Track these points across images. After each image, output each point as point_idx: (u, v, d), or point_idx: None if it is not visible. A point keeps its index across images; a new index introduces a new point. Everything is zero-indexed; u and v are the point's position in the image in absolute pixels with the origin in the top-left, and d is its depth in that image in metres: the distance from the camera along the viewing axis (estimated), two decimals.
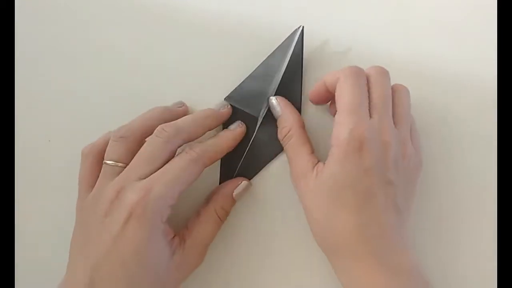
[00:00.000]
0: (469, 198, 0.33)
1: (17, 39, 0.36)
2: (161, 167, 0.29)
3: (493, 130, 0.34)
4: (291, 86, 0.34)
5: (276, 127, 0.33)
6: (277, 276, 0.33)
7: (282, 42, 0.34)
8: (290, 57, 0.33)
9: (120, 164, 0.29)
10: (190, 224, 0.31)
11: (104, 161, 0.30)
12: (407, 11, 0.36)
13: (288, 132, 0.32)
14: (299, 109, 0.33)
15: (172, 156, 0.30)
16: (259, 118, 0.34)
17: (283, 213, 0.33)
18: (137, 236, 0.27)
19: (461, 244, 0.33)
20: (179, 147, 0.30)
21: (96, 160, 0.31)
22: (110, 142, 0.30)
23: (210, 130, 0.32)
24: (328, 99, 0.33)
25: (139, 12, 0.36)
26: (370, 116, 0.29)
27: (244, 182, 0.33)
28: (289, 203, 0.33)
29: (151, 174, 0.29)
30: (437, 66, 0.35)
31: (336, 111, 0.29)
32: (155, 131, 0.30)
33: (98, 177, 0.30)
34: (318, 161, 0.30)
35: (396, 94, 0.31)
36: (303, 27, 0.34)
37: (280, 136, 0.33)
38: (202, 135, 0.32)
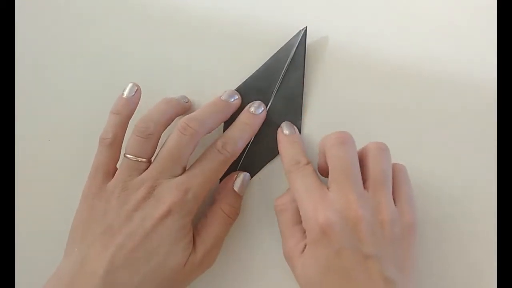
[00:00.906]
0: (469, 199, 0.33)
1: (17, 39, 0.36)
2: (187, 160, 0.30)
3: (493, 130, 0.34)
4: (292, 86, 0.34)
5: (278, 125, 0.33)
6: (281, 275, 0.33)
7: (286, 42, 0.34)
8: (292, 57, 0.33)
9: (141, 160, 0.30)
10: (199, 226, 0.31)
11: (125, 154, 0.30)
12: (407, 11, 0.36)
13: (282, 205, 0.30)
14: (299, 111, 0.34)
15: (195, 147, 0.30)
16: None
17: None
18: (171, 232, 0.28)
19: (461, 244, 0.33)
20: None
21: (118, 150, 0.31)
22: (135, 137, 0.30)
23: (222, 122, 0.33)
24: None
25: (140, 12, 0.36)
26: (328, 188, 0.28)
27: (241, 174, 0.33)
28: None
29: (181, 171, 0.30)
30: (437, 66, 0.35)
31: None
32: (180, 127, 0.30)
33: (115, 165, 0.30)
34: (306, 245, 0.28)
35: (365, 155, 0.29)
36: (306, 27, 0.34)
37: (275, 204, 0.31)
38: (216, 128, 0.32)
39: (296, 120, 0.34)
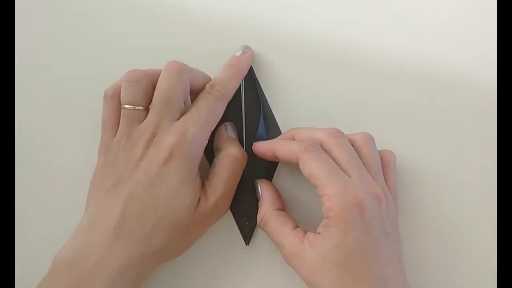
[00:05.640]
0: (469, 198, 0.33)
1: (17, 39, 0.36)
2: (182, 101, 0.30)
3: (493, 130, 0.34)
4: (253, 111, 0.34)
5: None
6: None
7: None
8: (245, 85, 0.34)
9: (138, 108, 0.30)
10: (209, 175, 0.31)
11: (122, 105, 0.30)
12: (407, 11, 0.36)
13: (262, 218, 0.31)
14: (275, 125, 0.34)
15: (187, 89, 0.31)
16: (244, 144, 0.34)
17: None
18: (176, 176, 0.28)
19: (461, 244, 0.33)
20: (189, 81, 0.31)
21: (120, 103, 0.31)
22: (123, 84, 0.30)
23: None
24: (275, 159, 0.32)
25: (140, 12, 0.36)
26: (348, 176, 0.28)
27: (227, 123, 0.33)
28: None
29: (180, 114, 0.30)
30: (437, 66, 0.35)
31: None
32: (165, 66, 0.30)
33: (119, 118, 0.31)
34: (305, 233, 0.29)
35: (358, 145, 0.30)
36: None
37: (260, 216, 0.31)
38: None
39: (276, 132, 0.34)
